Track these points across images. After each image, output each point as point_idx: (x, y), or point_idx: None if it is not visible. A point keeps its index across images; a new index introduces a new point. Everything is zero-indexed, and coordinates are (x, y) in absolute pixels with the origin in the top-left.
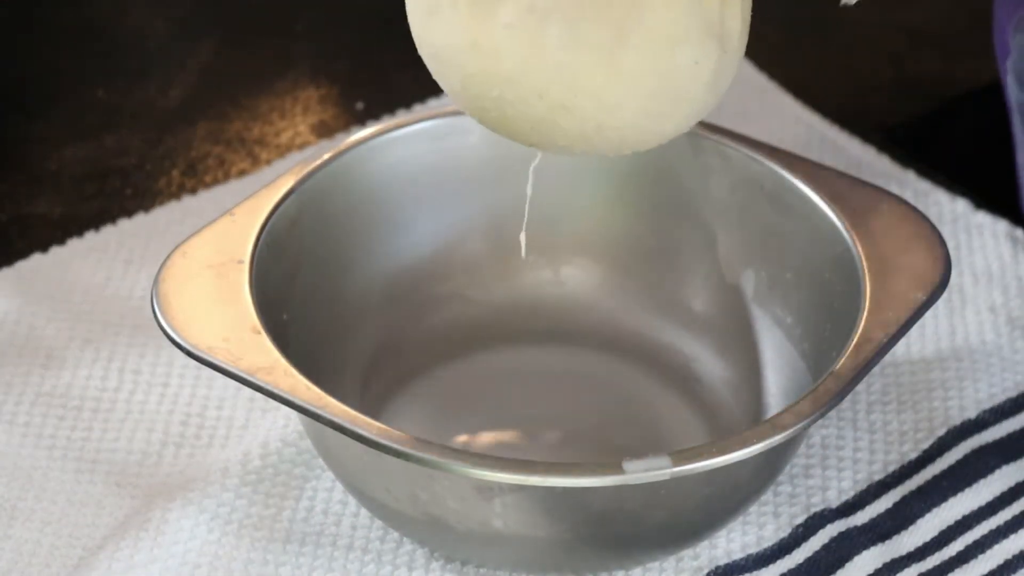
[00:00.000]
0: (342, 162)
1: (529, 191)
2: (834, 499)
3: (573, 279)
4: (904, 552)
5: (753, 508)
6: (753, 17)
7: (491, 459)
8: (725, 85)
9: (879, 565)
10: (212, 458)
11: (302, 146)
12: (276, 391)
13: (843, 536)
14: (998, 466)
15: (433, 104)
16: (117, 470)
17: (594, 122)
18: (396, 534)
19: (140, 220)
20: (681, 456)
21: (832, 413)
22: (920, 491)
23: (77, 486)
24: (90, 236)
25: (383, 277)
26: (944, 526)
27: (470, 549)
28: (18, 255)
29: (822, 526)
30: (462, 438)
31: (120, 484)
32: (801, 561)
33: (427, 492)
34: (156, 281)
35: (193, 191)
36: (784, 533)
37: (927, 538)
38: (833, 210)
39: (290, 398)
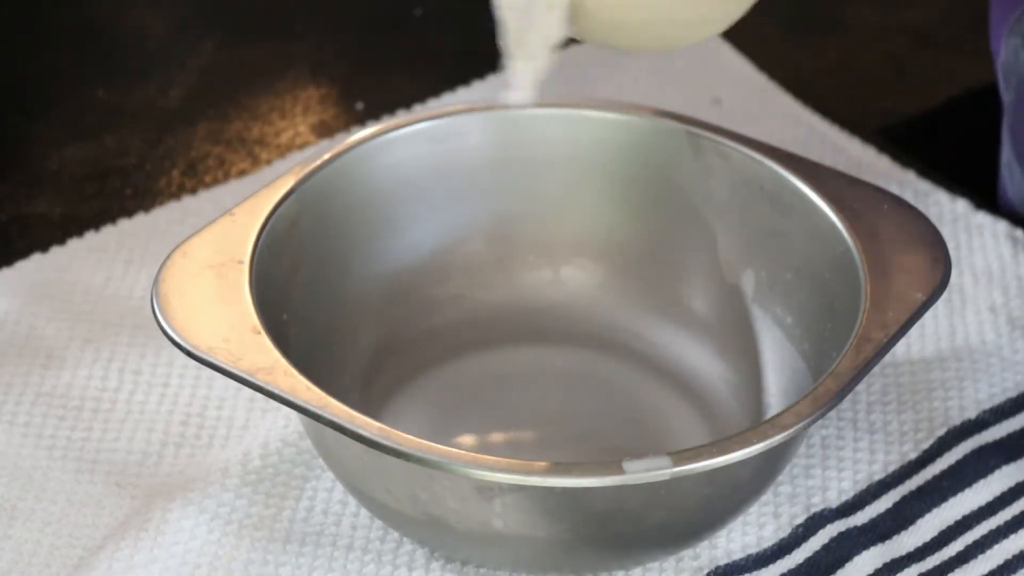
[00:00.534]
0: (342, 162)
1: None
2: (834, 499)
3: (573, 279)
4: (904, 552)
5: (753, 508)
6: (753, 17)
7: (491, 459)
8: None
9: (879, 565)
10: (212, 458)
11: (302, 146)
12: (276, 391)
13: (843, 536)
14: (998, 466)
15: (433, 104)
16: (117, 470)
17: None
18: (396, 534)
19: (140, 220)
20: (681, 456)
21: (832, 413)
22: (920, 491)
23: (77, 486)
24: (90, 236)
25: (383, 277)
26: (944, 526)
27: (470, 549)
28: (18, 255)
29: (822, 526)
30: (462, 438)
31: (120, 484)
32: (801, 561)
33: (427, 492)
34: (156, 281)
35: (193, 191)
36: (784, 533)
37: (927, 538)
38: (833, 210)
39: (290, 398)
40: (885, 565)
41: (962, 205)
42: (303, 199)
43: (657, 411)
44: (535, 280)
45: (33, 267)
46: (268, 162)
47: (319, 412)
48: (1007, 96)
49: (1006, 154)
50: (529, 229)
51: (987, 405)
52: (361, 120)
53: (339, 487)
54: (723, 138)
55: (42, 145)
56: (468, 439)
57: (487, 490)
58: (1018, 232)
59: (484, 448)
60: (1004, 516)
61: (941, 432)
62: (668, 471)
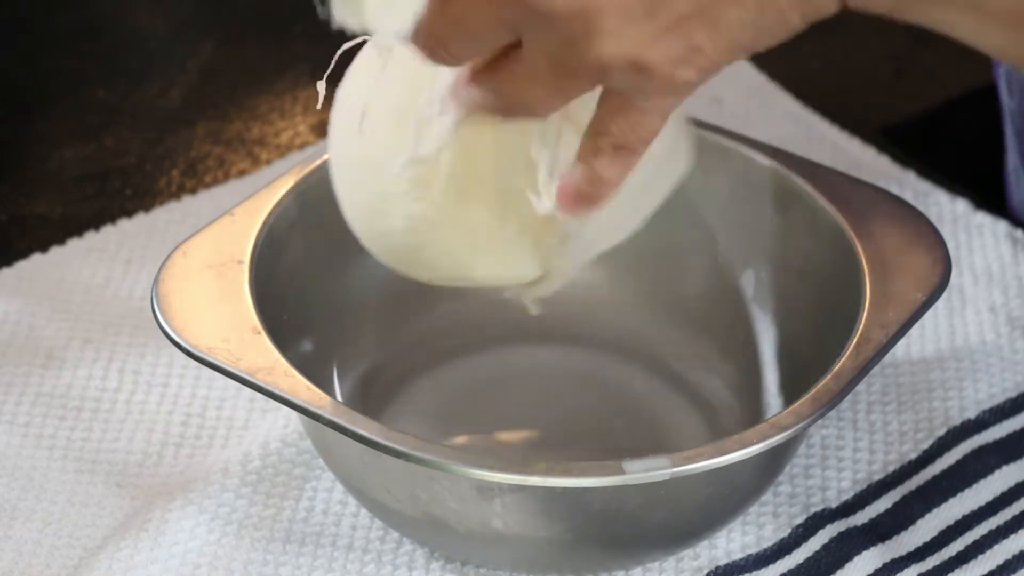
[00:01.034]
0: None
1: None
2: (834, 499)
3: (573, 279)
4: (904, 552)
5: (753, 508)
6: None
7: (491, 459)
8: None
9: (879, 565)
10: (212, 458)
11: (302, 146)
12: (276, 391)
13: (843, 536)
14: (998, 466)
15: None
16: (117, 470)
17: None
18: (396, 534)
19: (140, 220)
20: (681, 456)
21: (832, 413)
22: (920, 491)
23: (77, 486)
24: (90, 236)
25: (383, 277)
26: (944, 526)
27: (470, 549)
28: (18, 255)
29: (822, 526)
30: (462, 438)
31: (120, 484)
32: (801, 561)
33: (427, 492)
34: (156, 281)
35: (193, 191)
36: (784, 533)
37: (927, 538)
38: (833, 210)
39: (290, 398)
40: (885, 565)
41: (962, 205)
42: (303, 199)
43: (657, 411)
44: None
45: (33, 267)
46: (268, 162)
47: (319, 412)
48: (1011, 102)
49: (1012, 160)
50: None
51: (987, 405)
52: None
53: (339, 487)
54: (723, 138)
55: (42, 145)
56: (468, 439)
57: (487, 490)
58: (1018, 232)
59: (484, 448)
60: (1004, 516)
61: (941, 432)
62: (668, 471)
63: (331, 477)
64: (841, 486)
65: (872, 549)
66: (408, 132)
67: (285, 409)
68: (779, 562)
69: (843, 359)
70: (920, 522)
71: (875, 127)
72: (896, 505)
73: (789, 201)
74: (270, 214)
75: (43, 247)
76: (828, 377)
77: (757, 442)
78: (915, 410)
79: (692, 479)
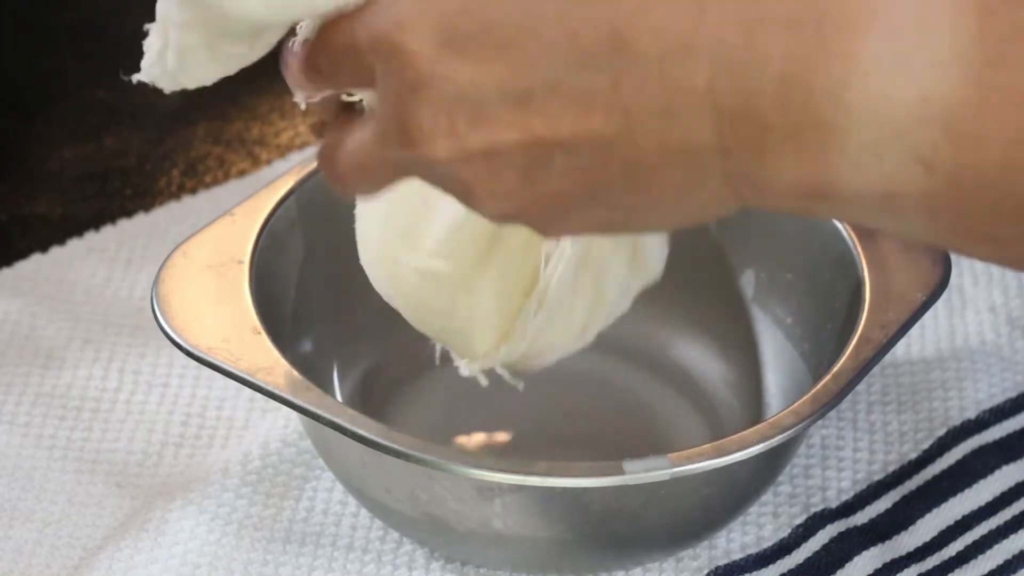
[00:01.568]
0: None
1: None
2: (834, 499)
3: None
4: (904, 552)
5: (753, 508)
6: None
7: (491, 459)
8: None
9: (879, 565)
10: (212, 458)
11: (302, 146)
12: (276, 392)
13: (843, 536)
14: (998, 466)
15: None
16: (117, 470)
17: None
18: (396, 534)
19: (140, 220)
20: (681, 456)
21: (832, 413)
22: (920, 491)
23: (77, 486)
24: (90, 236)
25: None
26: (944, 526)
27: (470, 549)
28: (18, 255)
29: (822, 526)
30: (462, 438)
31: (120, 484)
32: (801, 561)
33: (427, 492)
34: (156, 281)
35: (193, 191)
36: (784, 533)
37: (927, 538)
38: None
39: (290, 399)
40: (885, 565)
41: None
42: (303, 199)
43: (657, 411)
44: None
45: (33, 267)
46: (268, 162)
47: (319, 413)
48: None
49: None
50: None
51: (987, 405)
52: None
53: (339, 487)
54: None
55: (42, 145)
56: (468, 439)
57: (487, 490)
58: None
59: (484, 448)
60: (1004, 516)
61: (941, 432)
62: (668, 471)
63: (331, 477)
64: (841, 486)
65: (872, 549)
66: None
67: (285, 409)
68: (779, 562)
69: (843, 359)
70: (920, 522)
71: None
72: (896, 505)
73: None
74: (270, 214)
75: (43, 247)
76: (828, 377)
77: (757, 442)
78: (915, 410)
79: (692, 479)
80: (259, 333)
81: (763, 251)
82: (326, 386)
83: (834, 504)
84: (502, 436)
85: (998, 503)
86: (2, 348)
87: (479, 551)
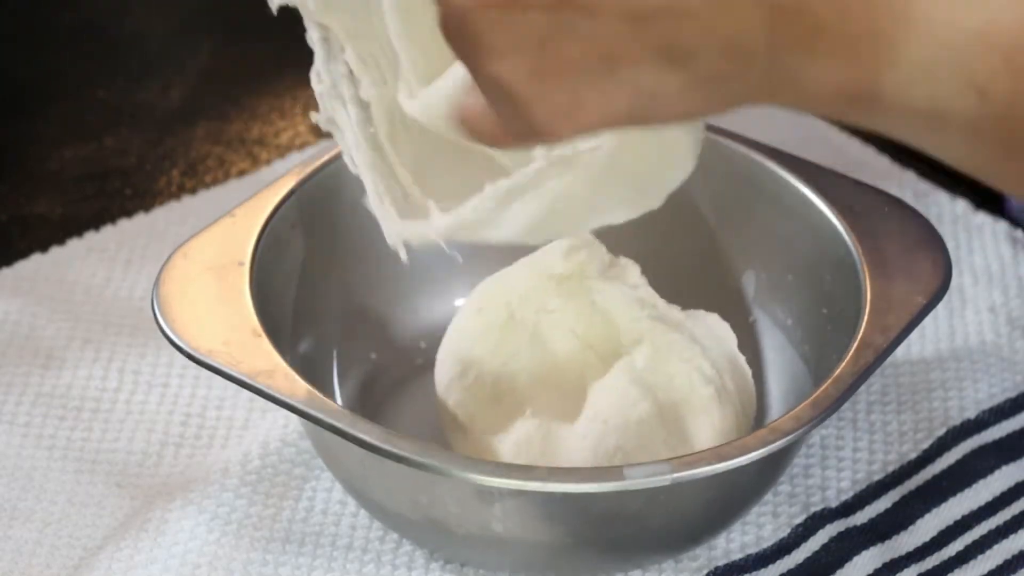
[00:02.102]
0: (342, 162)
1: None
2: (833, 499)
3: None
4: (903, 552)
5: (753, 508)
6: None
7: (491, 464)
8: None
9: (878, 565)
10: (212, 458)
11: (302, 146)
12: (276, 395)
13: (842, 536)
14: (998, 466)
15: None
16: (117, 470)
17: None
18: (396, 534)
19: (140, 220)
20: (681, 462)
21: None
22: (919, 491)
23: (77, 486)
24: (90, 236)
25: (384, 279)
26: (943, 526)
27: (470, 552)
28: (18, 255)
29: (821, 526)
30: None
31: (120, 484)
32: (800, 561)
33: (427, 496)
34: (156, 283)
35: (193, 191)
36: (783, 533)
37: (926, 538)
38: (834, 212)
39: (290, 402)
40: (884, 565)
41: (962, 205)
42: (304, 200)
43: None
44: None
45: (33, 267)
46: (268, 162)
47: (319, 416)
48: None
49: None
50: None
51: (987, 405)
52: None
53: (339, 487)
54: (724, 139)
55: (42, 145)
56: None
57: (487, 495)
58: (1018, 233)
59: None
60: (1004, 516)
61: (941, 432)
62: (668, 477)
63: (331, 477)
64: (841, 486)
65: (872, 549)
66: None
67: (285, 410)
68: (779, 562)
69: (844, 364)
70: (920, 522)
71: None
72: (896, 505)
73: (789, 203)
74: (271, 215)
75: (43, 247)
76: (828, 382)
77: (757, 447)
78: (915, 410)
79: (692, 484)
80: (259, 335)
81: (764, 253)
82: (326, 388)
83: (834, 504)
84: None
85: (998, 503)
86: (2, 348)
87: (479, 553)
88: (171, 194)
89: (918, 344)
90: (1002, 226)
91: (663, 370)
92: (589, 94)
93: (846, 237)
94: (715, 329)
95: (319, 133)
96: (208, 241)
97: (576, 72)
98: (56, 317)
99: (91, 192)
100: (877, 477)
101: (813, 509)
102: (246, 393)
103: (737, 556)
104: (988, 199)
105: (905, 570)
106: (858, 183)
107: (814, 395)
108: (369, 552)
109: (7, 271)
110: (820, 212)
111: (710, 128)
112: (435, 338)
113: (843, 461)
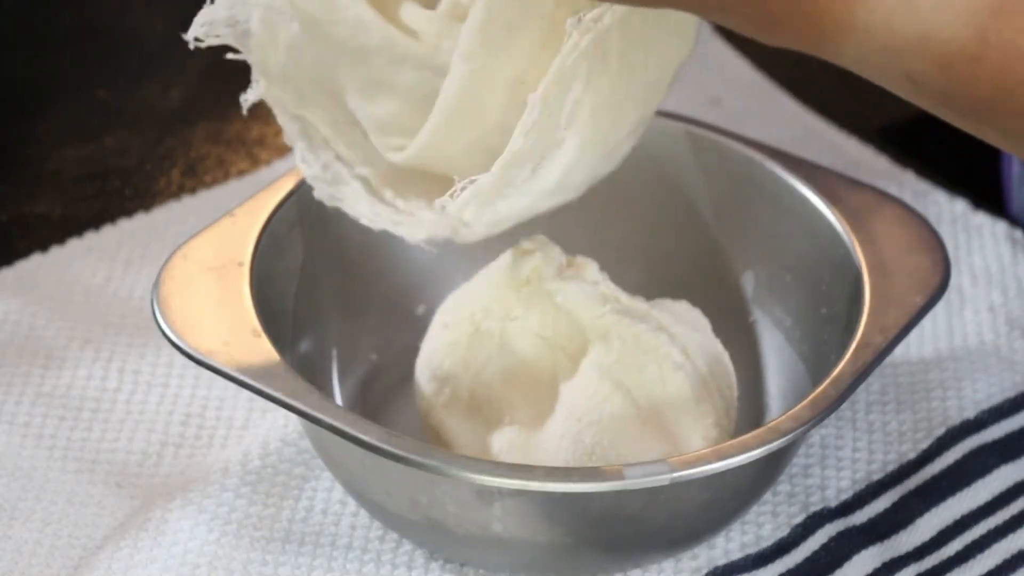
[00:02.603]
0: None
1: None
2: (833, 499)
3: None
4: (903, 552)
5: (752, 508)
6: None
7: (491, 464)
8: None
9: (878, 565)
10: (212, 458)
11: None
12: (276, 395)
13: (842, 536)
14: (997, 466)
15: None
16: (117, 470)
17: None
18: (396, 534)
19: (140, 220)
20: (680, 461)
21: None
22: (919, 491)
23: (77, 486)
24: (90, 236)
25: (384, 278)
26: (943, 526)
27: (470, 552)
28: (18, 255)
29: (821, 526)
30: None
31: (120, 484)
32: (800, 561)
33: (427, 496)
34: (156, 283)
35: (193, 191)
36: (783, 533)
37: (926, 538)
38: (833, 212)
39: (290, 402)
40: (884, 565)
41: (961, 205)
42: (303, 201)
43: None
44: None
45: (33, 267)
46: (268, 162)
47: (320, 416)
48: None
49: (1016, 168)
50: (528, 230)
51: (986, 405)
52: None
53: (339, 487)
54: (723, 138)
55: (42, 145)
56: None
57: (487, 495)
58: (1017, 233)
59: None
60: (1003, 516)
61: (940, 432)
62: (667, 476)
63: (331, 477)
64: (840, 485)
65: (871, 548)
66: None
67: (285, 410)
68: (778, 561)
69: (842, 363)
70: (919, 522)
71: (874, 127)
72: (895, 505)
73: (789, 203)
74: (271, 216)
75: (43, 247)
76: (827, 382)
77: (756, 447)
78: (914, 410)
79: (691, 484)
80: (259, 336)
81: (763, 252)
82: (326, 388)
83: (833, 504)
84: None
85: (997, 503)
86: (2, 348)
87: (479, 553)
88: (171, 194)
89: (917, 344)
90: (1001, 226)
91: (632, 362)
92: None
93: (845, 237)
94: (684, 316)
95: None
96: (208, 241)
97: None
98: (56, 317)
99: (91, 192)
100: (876, 477)
101: (812, 509)
102: (246, 393)
103: (737, 556)
104: (987, 199)
105: (904, 570)
106: (857, 183)
107: (813, 395)
108: (369, 552)
109: (7, 271)
110: (819, 212)
111: (711, 128)
112: None
113: (842, 461)
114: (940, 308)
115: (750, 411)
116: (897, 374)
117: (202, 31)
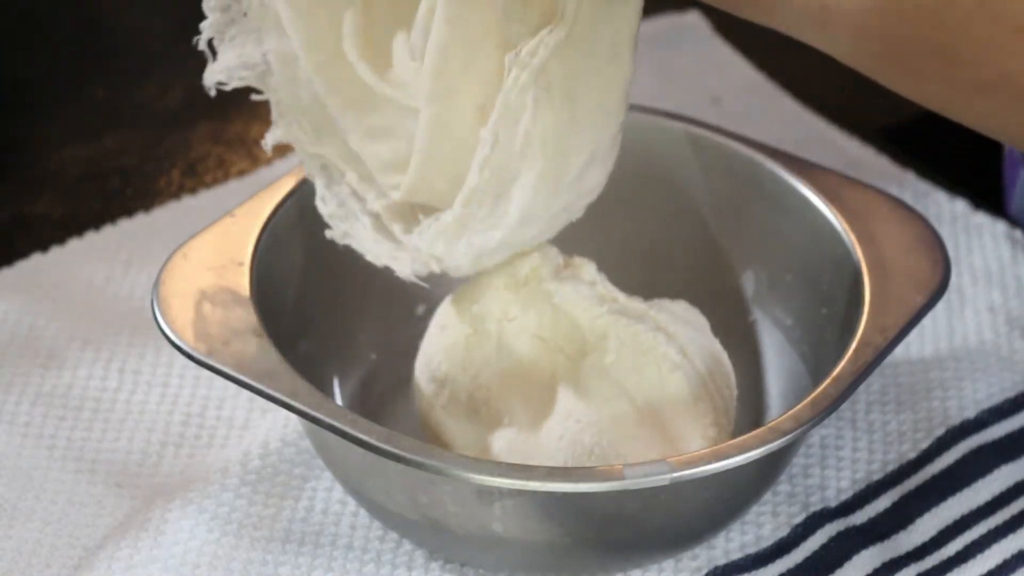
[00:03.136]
0: None
1: None
2: (833, 499)
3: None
4: (903, 552)
5: (752, 508)
6: None
7: (491, 464)
8: None
9: (877, 565)
10: (212, 458)
11: None
12: (277, 395)
13: (842, 536)
14: (997, 466)
15: None
16: (117, 470)
17: None
18: (396, 534)
19: (140, 220)
20: (680, 461)
21: None
22: (919, 491)
23: (77, 486)
24: (90, 236)
25: (384, 279)
26: (943, 526)
27: (470, 551)
28: (18, 255)
29: (821, 526)
30: None
31: (120, 484)
32: (800, 561)
33: (427, 496)
34: (156, 283)
35: (193, 191)
36: (783, 533)
37: (926, 538)
38: (833, 212)
39: (291, 402)
40: (884, 565)
41: (961, 205)
42: (304, 201)
43: None
44: None
45: (33, 267)
46: (268, 162)
47: (320, 416)
48: None
49: (1018, 170)
50: None
51: (986, 405)
52: None
53: (339, 487)
54: (723, 138)
55: (42, 145)
56: None
57: (487, 495)
58: (1017, 232)
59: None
60: (1003, 516)
61: (940, 432)
62: (667, 476)
63: (331, 477)
64: (840, 485)
65: (871, 548)
66: None
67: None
68: (778, 561)
69: (843, 363)
70: (919, 522)
71: (874, 127)
72: (895, 505)
73: (789, 202)
74: (271, 216)
75: (43, 247)
76: (827, 381)
77: (756, 447)
78: (914, 410)
79: (691, 484)
80: (260, 336)
81: (763, 252)
82: (326, 388)
83: (833, 504)
84: None
85: (997, 503)
86: (2, 348)
87: (479, 553)
88: (171, 194)
89: (917, 344)
90: (1001, 226)
91: (630, 362)
92: None
93: (845, 237)
94: (682, 315)
95: None
96: (208, 241)
97: None
98: (56, 317)
99: (91, 192)
100: (876, 477)
101: (812, 509)
102: (246, 393)
103: (737, 556)
104: (987, 199)
105: (904, 570)
106: (857, 183)
107: (813, 395)
108: (369, 552)
109: (7, 271)
110: (819, 212)
111: (711, 128)
112: None
113: (842, 461)
114: (940, 308)
115: (750, 411)
116: (897, 374)
117: (223, 76)
